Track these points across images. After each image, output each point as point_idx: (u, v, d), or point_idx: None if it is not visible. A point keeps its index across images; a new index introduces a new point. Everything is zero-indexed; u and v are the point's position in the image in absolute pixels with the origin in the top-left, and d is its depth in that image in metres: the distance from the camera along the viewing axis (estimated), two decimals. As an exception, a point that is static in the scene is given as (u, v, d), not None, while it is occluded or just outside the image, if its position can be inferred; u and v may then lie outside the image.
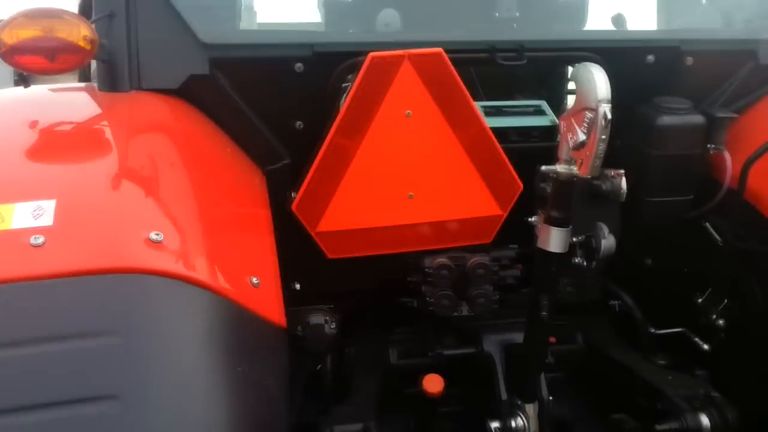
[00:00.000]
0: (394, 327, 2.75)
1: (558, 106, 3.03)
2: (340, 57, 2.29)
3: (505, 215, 2.33)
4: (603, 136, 1.91)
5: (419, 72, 2.10)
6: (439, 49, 2.09)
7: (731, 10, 3.00)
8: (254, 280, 1.75)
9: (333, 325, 2.38)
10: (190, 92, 2.24)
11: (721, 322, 2.65)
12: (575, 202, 2.23)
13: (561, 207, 2.12)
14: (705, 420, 2.36)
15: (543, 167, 2.10)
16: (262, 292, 1.77)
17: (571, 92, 2.98)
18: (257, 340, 1.69)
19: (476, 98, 2.58)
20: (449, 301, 2.48)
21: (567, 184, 2.07)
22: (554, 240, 2.14)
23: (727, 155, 2.54)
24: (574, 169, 2.02)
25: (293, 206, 2.20)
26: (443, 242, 2.39)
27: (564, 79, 3.29)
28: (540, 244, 2.16)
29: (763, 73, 2.69)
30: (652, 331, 2.84)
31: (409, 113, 2.14)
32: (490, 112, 2.66)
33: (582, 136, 1.95)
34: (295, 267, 2.42)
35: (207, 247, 1.71)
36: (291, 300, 2.67)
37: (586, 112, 1.95)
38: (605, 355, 2.73)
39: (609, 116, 1.89)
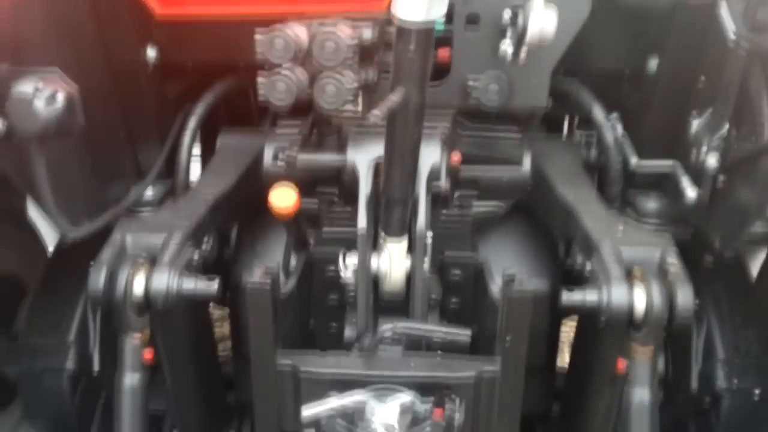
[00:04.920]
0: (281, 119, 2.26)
1: None
2: None
3: None
4: None
5: None
6: None
7: None
8: None
9: (58, 100, 1.74)
10: None
11: (711, 158, 1.94)
12: None
13: None
14: (638, 299, 1.77)
15: None
16: None
17: None
18: None
19: None
20: (286, 86, 1.82)
21: None
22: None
23: None
24: None
25: None
26: (313, 3, 1.81)
27: None
28: (393, 9, 1.49)
29: None
30: (634, 161, 2.22)
31: None
32: None
33: None
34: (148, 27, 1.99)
35: None
36: (146, 75, 2.23)
37: None
38: (550, 186, 2.16)
39: None
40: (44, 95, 1.71)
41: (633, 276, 1.83)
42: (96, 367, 2.45)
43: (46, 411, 2.49)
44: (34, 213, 2.92)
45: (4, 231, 2.77)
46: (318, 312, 2.35)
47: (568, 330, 2.79)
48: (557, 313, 2.38)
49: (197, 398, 2.30)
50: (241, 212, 2.32)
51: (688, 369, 2.36)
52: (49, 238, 2.98)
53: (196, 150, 2.76)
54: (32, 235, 2.93)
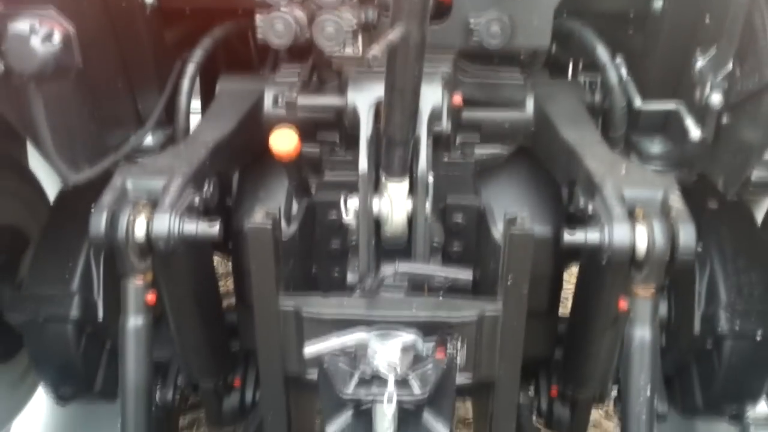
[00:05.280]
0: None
1: None
2: None
3: None
4: None
5: None
6: None
7: None
8: None
9: (54, 39, 1.74)
10: None
11: (715, 96, 1.91)
12: None
13: None
14: (640, 237, 1.74)
15: None
16: None
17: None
18: None
19: None
20: (284, 24, 1.81)
21: None
22: None
23: None
24: None
25: None
26: None
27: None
28: None
29: None
30: (638, 104, 2.20)
31: None
32: None
33: None
34: None
35: None
36: (144, 20, 2.18)
37: None
38: (553, 128, 2.12)
39: None
40: (41, 34, 1.70)
41: (635, 215, 1.81)
42: (100, 315, 2.46)
43: (51, 360, 2.50)
44: (35, 164, 2.91)
45: (6, 181, 2.76)
46: (320, 258, 2.34)
47: (570, 288, 2.78)
48: (560, 258, 2.37)
49: (201, 344, 2.30)
50: (241, 157, 2.30)
51: (691, 313, 2.36)
52: (51, 188, 2.98)
53: (197, 104, 2.75)
54: (34, 185, 2.93)
